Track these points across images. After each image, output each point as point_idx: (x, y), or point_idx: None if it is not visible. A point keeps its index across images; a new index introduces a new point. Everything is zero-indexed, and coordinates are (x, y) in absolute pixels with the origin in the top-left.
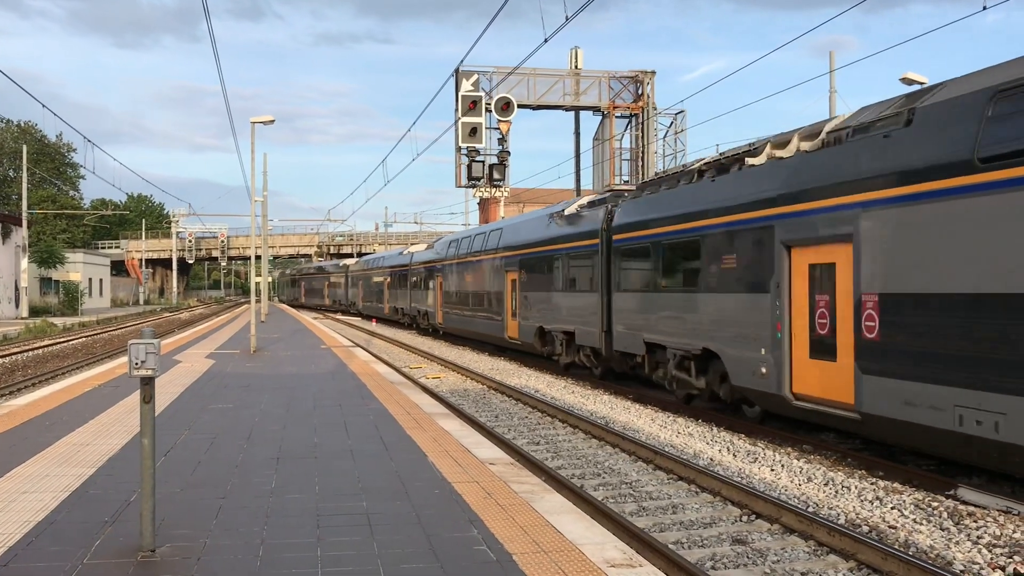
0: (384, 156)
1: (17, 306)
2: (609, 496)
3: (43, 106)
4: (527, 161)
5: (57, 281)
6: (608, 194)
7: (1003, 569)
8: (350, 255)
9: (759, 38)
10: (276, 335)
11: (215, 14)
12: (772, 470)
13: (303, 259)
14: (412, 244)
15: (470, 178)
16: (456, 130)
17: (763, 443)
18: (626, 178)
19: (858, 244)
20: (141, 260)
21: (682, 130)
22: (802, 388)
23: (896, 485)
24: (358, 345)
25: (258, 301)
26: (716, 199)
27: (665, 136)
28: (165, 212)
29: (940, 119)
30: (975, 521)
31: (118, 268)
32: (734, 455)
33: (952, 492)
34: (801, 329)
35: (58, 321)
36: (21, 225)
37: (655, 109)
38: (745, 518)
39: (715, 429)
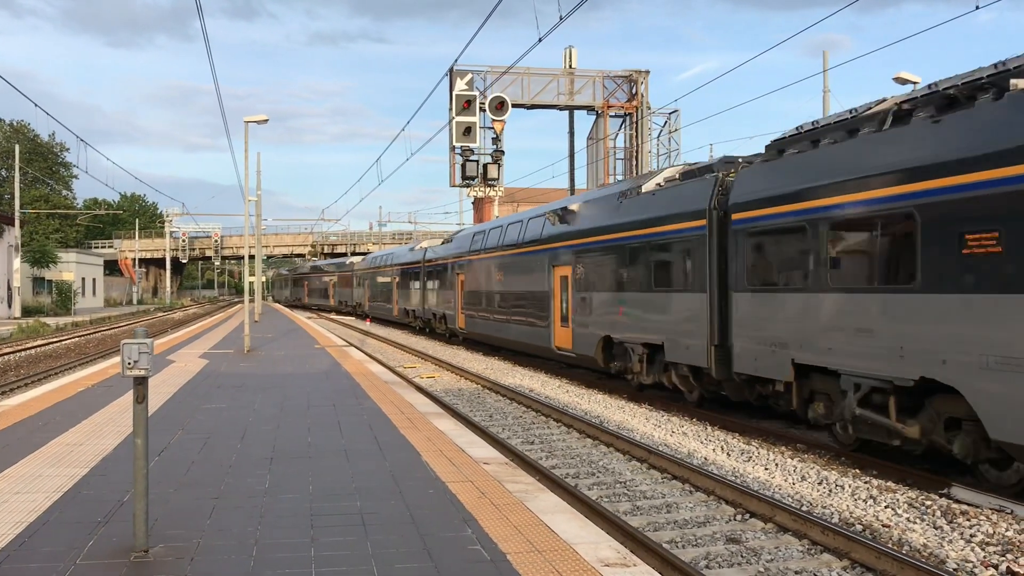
0: (378, 155)
1: (10, 306)
2: (603, 495)
3: (35, 105)
4: (521, 160)
5: (50, 281)
6: (716, 160)
7: (996, 567)
8: (344, 254)
9: (753, 38)
10: (270, 335)
11: (209, 13)
12: (766, 469)
13: (297, 258)
14: (425, 239)
15: (464, 177)
16: (450, 129)
17: (757, 442)
18: (620, 177)
19: None
20: (134, 260)
21: (676, 129)
22: None
23: (890, 484)
24: (352, 345)
25: (252, 301)
26: (954, 147)
27: (659, 135)
28: (158, 212)
29: None
30: (968, 520)
31: (111, 268)
32: (728, 454)
33: (945, 491)
34: None
35: (51, 321)
36: (14, 225)
37: (649, 108)
38: (739, 517)
39: (709, 428)
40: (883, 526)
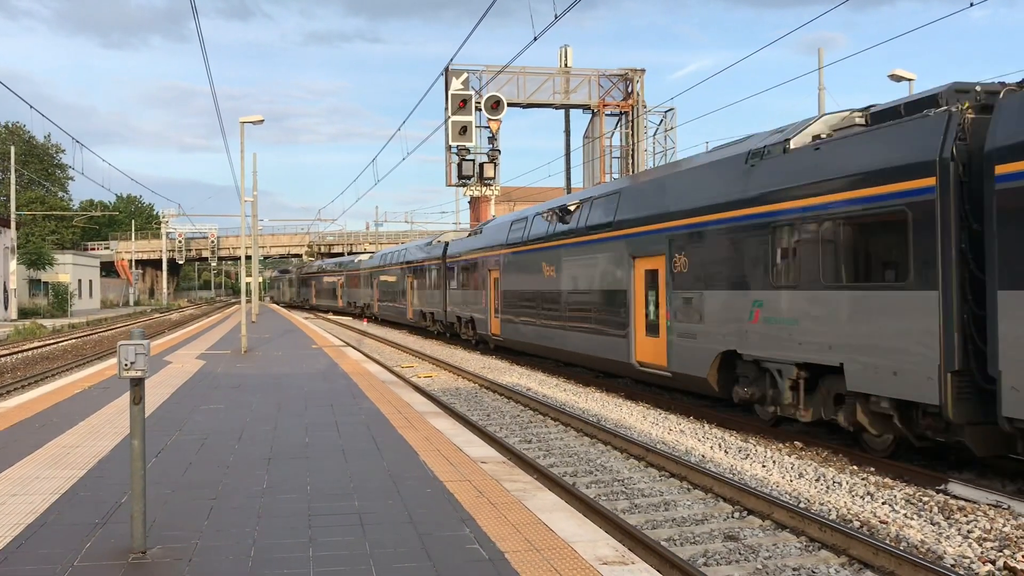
0: (374, 155)
1: (6, 308)
2: (601, 494)
3: (31, 107)
4: (517, 159)
5: (46, 283)
6: (943, 88)
7: (993, 563)
8: (340, 254)
9: (748, 35)
10: (267, 335)
11: (204, 14)
12: (763, 466)
13: (294, 258)
14: (447, 234)
15: (460, 176)
16: (446, 129)
17: (754, 439)
18: (617, 176)
19: None
20: (131, 261)
21: (672, 127)
22: None
23: (887, 480)
24: (349, 345)
25: (249, 301)
26: None
27: (655, 134)
28: (155, 213)
29: None
30: (965, 516)
31: (108, 269)
32: (726, 452)
33: (943, 487)
34: None
35: (48, 323)
36: (10, 227)
37: (645, 107)
38: (737, 514)
39: (706, 426)
40: (880, 522)
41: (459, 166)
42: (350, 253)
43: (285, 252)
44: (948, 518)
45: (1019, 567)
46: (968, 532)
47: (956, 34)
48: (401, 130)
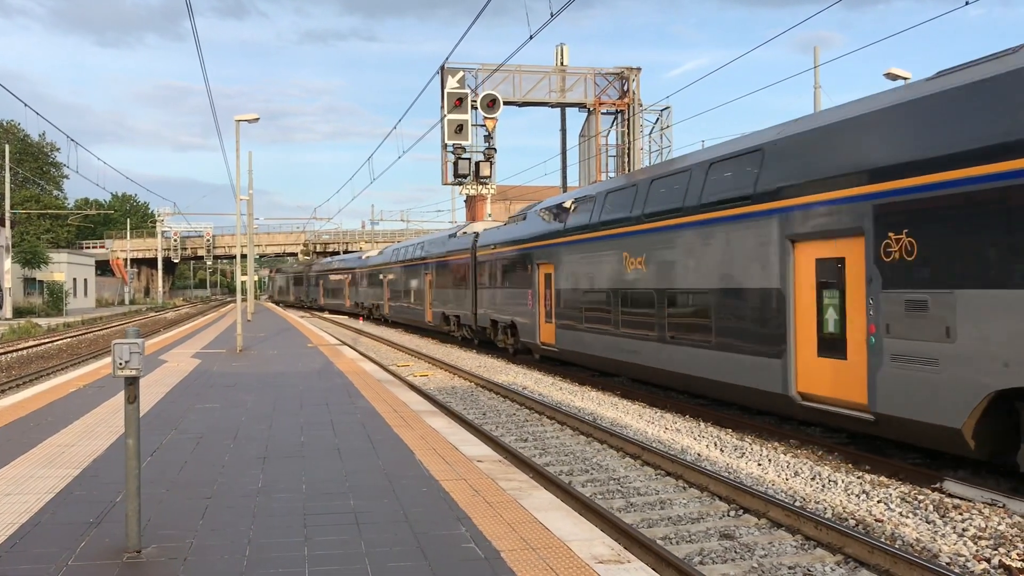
0: (370, 154)
1: (1, 307)
2: (597, 492)
3: (25, 105)
4: (513, 158)
5: (41, 281)
6: None
7: (988, 561)
8: (336, 253)
9: (743, 34)
10: (262, 334)
11: (199, 12)
12: (759, 465)
13: (289, 257)
14: (471, 224)
15: (456, 175)
16: (442, 127)
17: (750, 438)
18: (612, 174)
19: None
20: (126, 260)
21: (668, 126)
22: None
23: (882, 479)
24: (345, 343)
25: (244, 300)
26: None
27: (651, 132)
28: (150, 211)
29: None
30: (961, 514)
31: (103, 268)
32: (721, 450)
33: (938, 485)
34: None
35: (42, 322)
36: (4, 225)
37: (641, 105)
38: (733, 513)
39: (702, 424)
40: (876, 521)
41: (455, 165)
42: (346, 251)
43: (281, 251)
44: (944, 516)
45: (1015, 565)
46: (964, 530)
47: (952, 32)
48: (397, 129)
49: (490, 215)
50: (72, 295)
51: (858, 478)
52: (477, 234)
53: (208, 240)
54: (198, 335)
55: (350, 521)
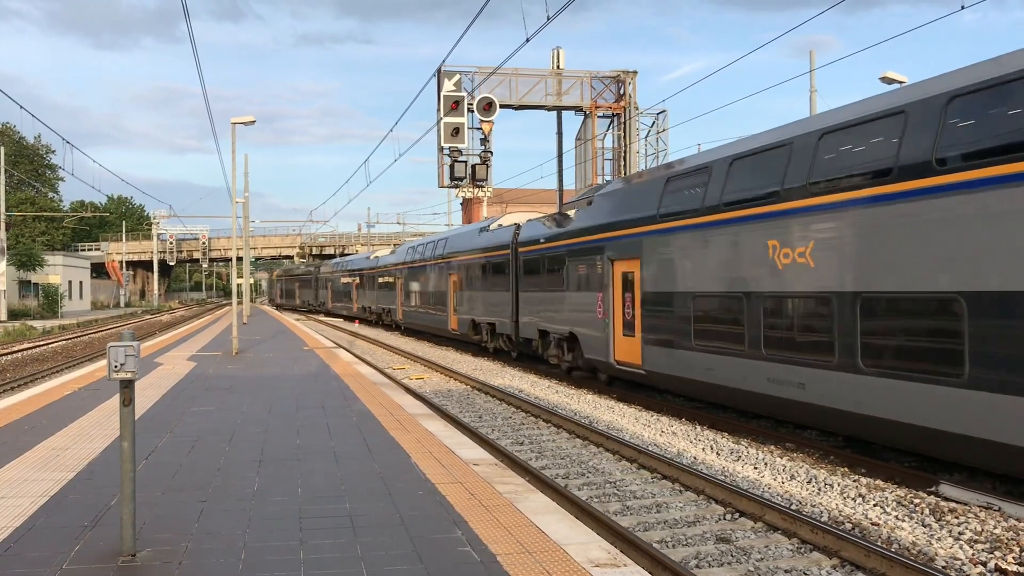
0: (366, 157)
1: None
2: (593, 496)
3: (21, 107)
4: (509, 161)
5: (36, 284)
6: None
7: (984, 564)
8: (332, 256)
9: (739, 38)
10: (258, 337)
11: (195, 15)
12: (755, 468)
13: (285, 260)
14: (508, 214)
15: (453, 178)
16: (438, 130)
17: (746, 441)
18: (608, 178)
19: None
20: (121, 262)
21: (664, 130)
22: None
23: (878, 482)
24: (341, 346)
25: (240, 303)
26: None
27: (647, 136)
28: (146, 214)
29: None
30: (956, 517)
31: (98, 270)
32: (717, 453)
33: (934, 489)
34: None
35: (37, 324)
36: None
37: (637, 109)
38: (729, 516)
39: (698, 428)
40: (872, 524)
41: (451, 168)
42: (342, 254)
43: (276, 254)
44: (939, 520)
45: (1010, 568)
46: (959, 534)
47: (947, 37)
48: (393, 131)
49: (486, 218)
50: (67, 298)
51: (854, 481)
52: (518, 226)
53: (204, 243)
54: (194, 338)
55: (346, 525)
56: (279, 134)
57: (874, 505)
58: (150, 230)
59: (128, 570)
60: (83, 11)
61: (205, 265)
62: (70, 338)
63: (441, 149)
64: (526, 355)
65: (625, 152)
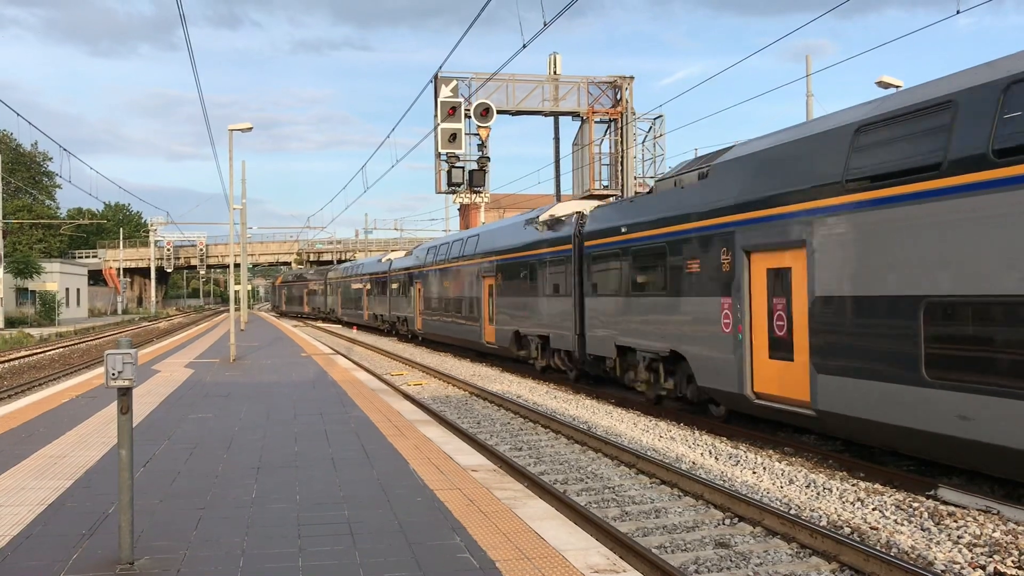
0: (364, 163)
1: None
2: (592, 501)
3: (18, 115)
4: (507, 167)
5: (33, 291)
6: None
7: (983, 568)
8: (330, 262)
9: (735, 43)
10: (255, 344)
11: (192, 22)
12: (754, 473)
13: (283, 266)
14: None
15: (450, 184)
16: (435, 136)
17: (744, 446)
18: (606, 183)
19: None
20: (119, 269)
21: (661, 135)
22: None
23: (877, 486)
24: (339, 353)
25: (238, 310)
26: None
27: (644, 141)
28: (143, 221)
29: None
30: (955, 521)
31: (96, 278)
32: (716, 458)
33: (932, 493)
34: None
35: (35, 332)
36: None
37: (634, 114)
38: (728, 521)
39: (697, 433)
40: (871, 528)
41: (448, 173)
42: (339, 261)
43: (274, 260)
44: (938, 524)
45: (1009, 572)
46: (958, 538)
47: (942, 41)
48: (390, 137)
49: (484, 223)
50: (65, 305)
51: (853, 486)
52: (581, 215)
53: (201, 249)
54: (191, 345)
55: (344, 531)
56: (276, 140)
57: (873, 509)
58: (147, 237)
59: None
60: (80, 18)
61: (202, 272)
62: (67, 345)
63: (438, 155)
64: (594, 378)
65: (622, 157)
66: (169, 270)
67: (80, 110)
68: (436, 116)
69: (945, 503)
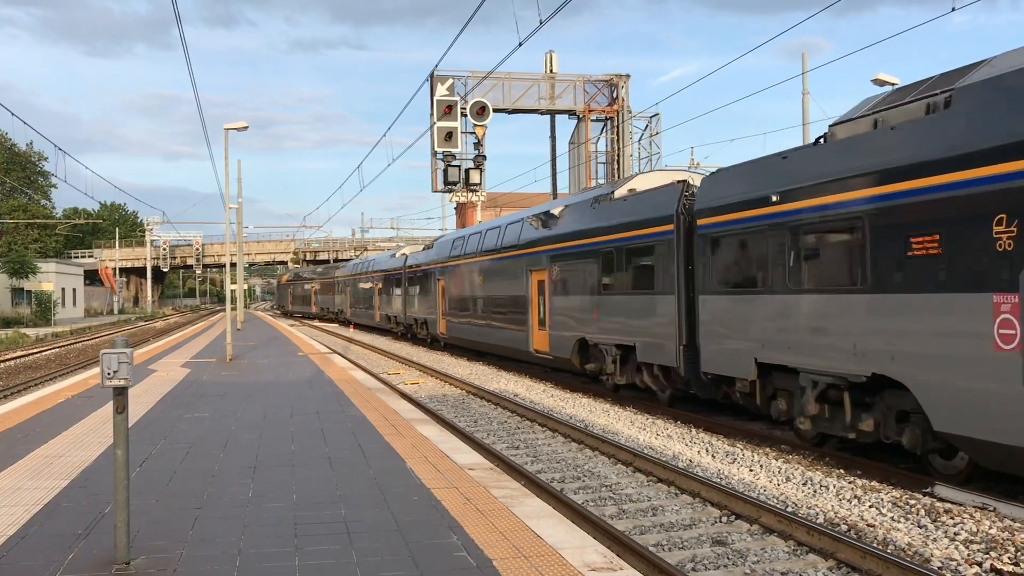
0: (360, 162)
1: None
2: (589, 499)
3: (12, 115)
4: (503, 165)
5: (29, 291)
6: None
7: (980, 565)
8: (326, 261)
9: (731, 41)
10: (252, 343)
11: (188, 21)
12: (751, 470)
13: (279, 265)
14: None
15: (446, 182)
16: (432, 135)
17: (741, 444)
18: (602, 181)
19: None
20: (115, 269)
21: (657, 133)
22: None
23: (874, 483)
24: (335, 352)
25: (234, 309)
26: None
27: (640, 139)
28: (139, 220)
29: None
30: (952, 518)
31: (92, 277)
32: (713, 456)
33: (929, 490)
34: None
35: (31, 332)
36: None
37: (630, 112)
38: (725, 519)
39: (693, 431)
40: (868, 526)
41: (445, 172)
42: (335, 260)
43: (270, 259)
44: (935, 521)
45: (1005, 569)
46: (955, 534)
47: (938, 38)
48: (386, 136)
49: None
50: (60, 305)
51: (849, 483)
52: (686, 184)
53: (197, 249)
54: (188, 344)
55: (341, 531)
56: (272, 140)
57: (870, 506)
58: (143, 237)
59: None
60: (76, 18)
61: (199, 271)
62: (63, 345)
63: (435, 154)
64: (707, 403)
65: (619, 155)
66: (165, 270)
67: (76, 110)
68: (432, 115)
69: (942, 500)
